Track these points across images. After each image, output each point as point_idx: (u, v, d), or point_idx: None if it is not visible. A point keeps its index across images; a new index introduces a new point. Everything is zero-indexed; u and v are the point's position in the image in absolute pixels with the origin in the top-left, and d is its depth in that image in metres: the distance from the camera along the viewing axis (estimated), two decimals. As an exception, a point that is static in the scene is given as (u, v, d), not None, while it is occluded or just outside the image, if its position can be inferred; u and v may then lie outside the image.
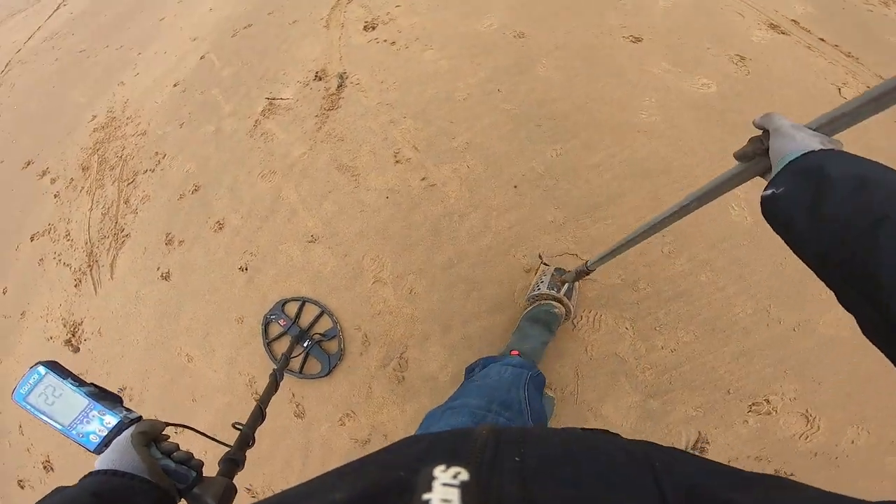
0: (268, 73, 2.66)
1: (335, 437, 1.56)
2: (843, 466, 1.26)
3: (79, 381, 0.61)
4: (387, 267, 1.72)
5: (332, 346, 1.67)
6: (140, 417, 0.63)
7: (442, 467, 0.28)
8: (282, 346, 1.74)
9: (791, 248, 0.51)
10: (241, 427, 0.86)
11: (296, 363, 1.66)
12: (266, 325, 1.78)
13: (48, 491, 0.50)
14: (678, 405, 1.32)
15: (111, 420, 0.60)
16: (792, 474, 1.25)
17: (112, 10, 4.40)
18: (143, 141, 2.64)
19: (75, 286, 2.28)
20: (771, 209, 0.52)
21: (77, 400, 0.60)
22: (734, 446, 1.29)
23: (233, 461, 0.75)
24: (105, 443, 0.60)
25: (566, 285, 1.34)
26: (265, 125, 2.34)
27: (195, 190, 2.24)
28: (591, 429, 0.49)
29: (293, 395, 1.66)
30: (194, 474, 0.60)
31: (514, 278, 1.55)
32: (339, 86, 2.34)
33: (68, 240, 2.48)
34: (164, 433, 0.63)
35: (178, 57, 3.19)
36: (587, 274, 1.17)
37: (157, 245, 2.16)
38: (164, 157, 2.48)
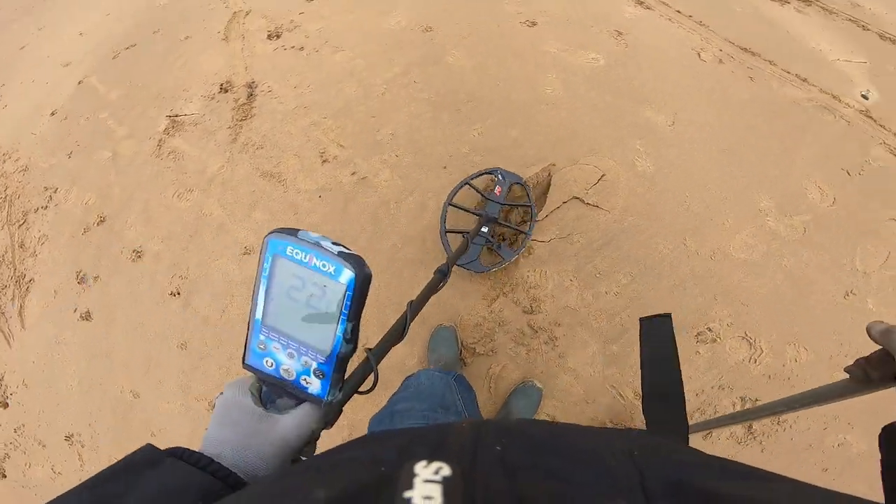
0: (164, 91, 2.49)
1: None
2: (797, 386, 1.41)
3: (353, 334, 0.40)
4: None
5: (489, 259, 1.52)
6: (336, 408, 0.43)
7: (423, 463, 0.27)
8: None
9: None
10: (369, 352, 0.51)
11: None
12: (480, 174, 1.56)
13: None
14: (635, 345, 1.42)
15: (313, 386, 0.40)
16: (757, 400, 1.40)
17: (-43, 42, 3.81)
18: (28, 177, 2.33)
19: (-21, 345, 1.95)
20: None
21: (321, 336, 0.39)
22: (696, 378, 1.43)
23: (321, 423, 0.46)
24: (266, 380, 0.42)
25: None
26: (171, 143, 2.19)
27: (100, 221, 2.03)
28: (570, 423, 0.49)
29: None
30: None
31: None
32: (250, 95, 2.27)
33: (-46, 300, 2.10)
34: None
35: (50, 85, 2.85)
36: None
37: (68, 285, 1.92)
38: (55, 192, 2.21)
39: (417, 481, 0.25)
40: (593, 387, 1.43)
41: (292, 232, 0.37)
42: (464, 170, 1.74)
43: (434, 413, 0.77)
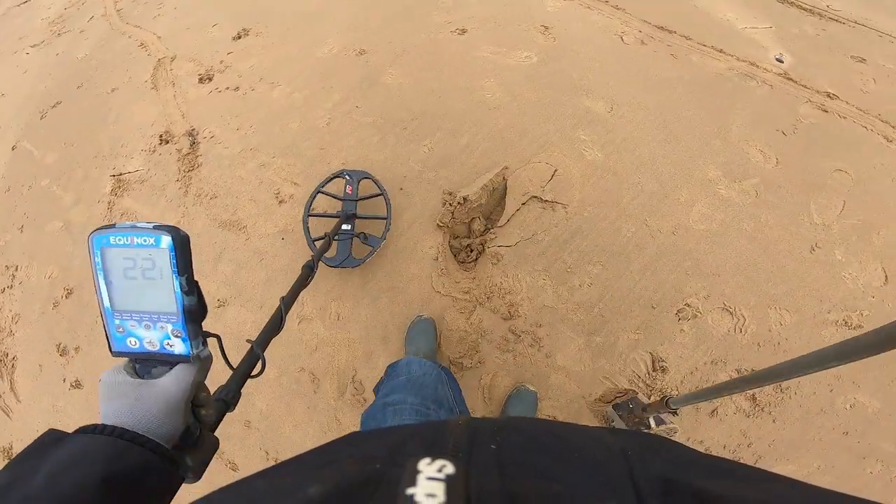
0: (101, 149, 2.40)
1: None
2: (788, 350, 1.43)
3: (190, 286, 0.43)
4: (306, 303, 1.69)
5: (361, 251, 1.61)
6: (210, 357, 0.47)
7: (427, 460, 0.27)
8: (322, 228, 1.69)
9: None
10: (251, 343, 0.67)
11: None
12: (332, 178, 1.71)
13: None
14: (619, 334, 1.50)
15: (177, 347, 0.44)
16: (753, 369, 1.41)
17: None
18: (-19, 260, 2.22)
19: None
20: None
21: (165, 300, 0.43)
22: (687, 357, 1.46)
23: (224, 403, 0.56)
24: (136, 357, 0.45)
25: (650, 418, 1.23)
26: (122, 204, 2.12)
27: (68, 294, 1.99)
28: (564, 422, 0.50)
29: (266, 452, 1.57)
30: (199, 433, 0.47)
31: (426, 270, 1.65)
32: (192, 144, 2.21)
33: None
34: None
35: (-19, 159, 2.71)
36: (672, 412, 1.14)
37: (51, 359, 1.91)
38: (17, 269, 2.14)
39: (420, 478, 0.26)
40: (586, 381, 1.48)
41: (110, 225, 0.42)
42: (421, 188, 1.77)
43: (426, 409, 0.77)
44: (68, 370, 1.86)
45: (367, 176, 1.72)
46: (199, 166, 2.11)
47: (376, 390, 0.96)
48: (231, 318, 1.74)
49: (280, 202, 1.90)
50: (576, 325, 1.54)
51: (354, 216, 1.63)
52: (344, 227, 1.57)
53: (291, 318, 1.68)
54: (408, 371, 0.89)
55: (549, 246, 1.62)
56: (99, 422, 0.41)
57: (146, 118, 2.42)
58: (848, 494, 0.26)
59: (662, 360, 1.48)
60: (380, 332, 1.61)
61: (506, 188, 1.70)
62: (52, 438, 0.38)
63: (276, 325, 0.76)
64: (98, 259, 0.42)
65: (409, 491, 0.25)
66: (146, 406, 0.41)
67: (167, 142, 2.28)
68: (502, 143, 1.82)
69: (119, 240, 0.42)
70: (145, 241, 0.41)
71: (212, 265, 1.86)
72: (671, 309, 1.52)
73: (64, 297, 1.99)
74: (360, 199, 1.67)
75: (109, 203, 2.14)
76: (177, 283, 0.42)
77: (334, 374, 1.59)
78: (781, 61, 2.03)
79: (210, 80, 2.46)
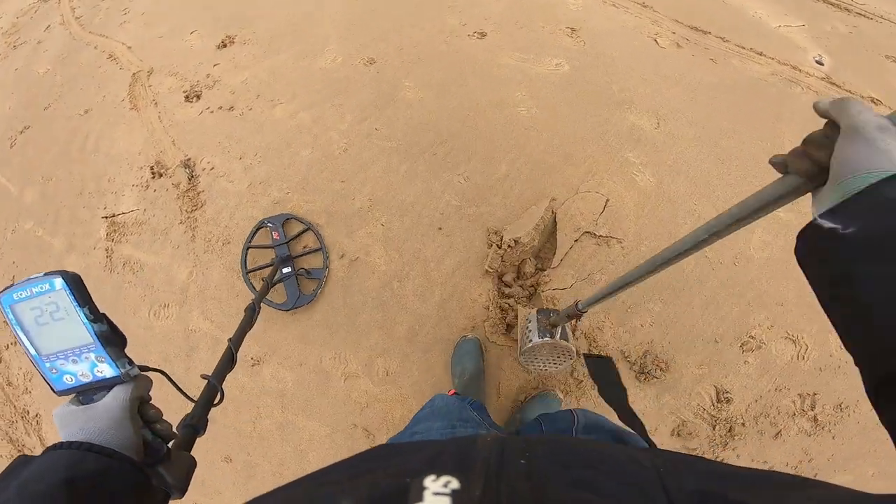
0: (85, 184, 2.15)
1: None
2: (848, 373, 1.45)
3: (95, 314, 0.48)
4: (350, 360, 1.58)
5: (310, 285, 1.67)
6: (140, 375, 0.51)
7: (432, 477, 0.29)
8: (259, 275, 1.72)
9: (833, 315, 0.38)
10: (207, 377, 0.76)
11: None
12: (255, 230, 1.75)
13: None
14: (683, 369, 1.45)
15: (106, 371, 0.48)
16: (816, 394, 1.42)
17: None
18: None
19: None
20: (822, 249, 0.36)
21: (79, 334, 0.47)
22: (751, 387, 1.44)
23: (192, 428, 0.67)
24: (78, 391, 0.49)
25: (559, 328, 1.19)
26: (122, 252, 1.92)
27: None
28: (594, 440, 0.50)
29: None
30: (165, 448, 0.51)
31: (476, 318, 1.55)
32: (191, 177, 1.99)
33: None
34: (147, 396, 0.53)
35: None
36: (579, 316, 1.10)
37: None
38: None
39: (427, 494, 0.27)
40: (651, 417, 1.45)
41: (9, 286, 0.47)
42: (461, 227, 1.63)
43: (452, 427, 0.77)
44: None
45: (288, 217, 1.75)
46: (202, 205, 1.91)
47: None
48: (268, 376, 1.62)
49: (303, 247, 1.74)
50: (639, 364, 1.49)
51: (290, 258, 1.65)
52: (284, 270, 1.62)
53: (337, 376, 1.58)
54: (430, 405, 0.91)
55: (606, 286, 1.53)
56: None
57: (131, 146, 2.16)
58: (890, 495, 0.25)
59: (727, 392, 1.47)
60: (434, 384, 1.52)
61: (555, 223, 1.58)
62: (23, 460, 0.43)
63: (228, 361, 0.86)
64: (11, 316, 0.47)
65: None
66: (94, 424, 0.46)
67: (160, 175, 2.04)
68: (545, 170, 1.68)
69: (20, 294, 0.46)
70: (42, 288, 0.46)
71: (237, 319, 1.71)
72: (735, 342, 1.49)
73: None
74: (290, 241, 1.69)
75: (108, 250, 1.93)
76: (82, 315, 0.47)
77: (390, 430, 1.51)
78: (822, 63, 1.92)
79: (198, 98, 2.20)
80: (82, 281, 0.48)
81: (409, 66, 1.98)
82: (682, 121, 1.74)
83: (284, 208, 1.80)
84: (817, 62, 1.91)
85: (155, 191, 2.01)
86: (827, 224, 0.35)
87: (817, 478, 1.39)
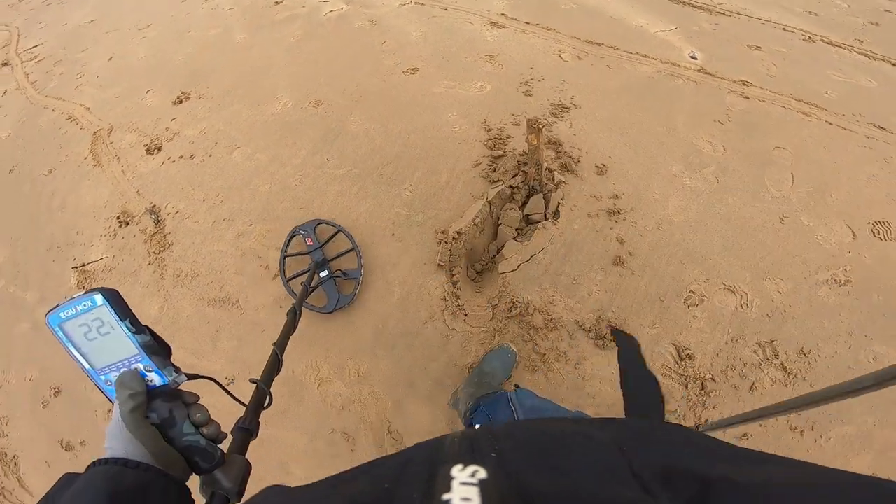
0: (55, 240, 2.23)
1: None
2: (796, 316, 1.51)
3: (136, 326, 0.51)
4: (322, 366, 1.69)
5: (348, 286, 1.72)
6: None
7: (459, 466, 0.29)
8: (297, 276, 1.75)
9: None
10: (256, 381, 0.78)
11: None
12: (290, 239, 1.80)
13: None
14: (638, 330, 1.58)
15: (155, 380, 0.51)
16: (773, 341, 1.50)
17: None
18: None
19: None
20: None
21: (125, 346, 0.50)
22: (707, 341, 1.55)
23: (246, 431, 0.68)
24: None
25: None
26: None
27: (56, 392, 1.91)
28: (550, 418, 0.52)
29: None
30: (220, 453, 0.53)
31: (434, 313, 1.70)
32: (157, 222, 2.11)
33: None
34: (194, 398, 0.55)
35: None
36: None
37: (58, 455, 1.85)
38: None
39: (455, 484, 0.27)
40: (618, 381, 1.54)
41: (55, 307, 0.50)
42: (412, 231, 1.82)
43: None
44: (77, 464, 1.79)
45: (320, 221, 1.83)
46: (169, 245, 2.03)
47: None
48: (247, 394, 1.69)
49: (266, 268, 1.87)
50: (595, 333, 1.59)
51: (325, 261, 1.72)
52: (321, 274, 1.67)
53: (310, 384, 1.67)
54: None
55: (550, 263, 1.70)
56: None
57: (97, 199, 2.27)
58: (849, 471, 0.27)
59: (687, 349, 1.55)
60: (405, 379, 1.64)
61: (494, 214, 1.80)
62: (68, 478, 0.47)
63: (274, 365, 0.89)
64: (61, 334, 0.50)
65: (446, 497, 0.26)
66: (131, 440, 0.48)
67: (127, 223, 2.16)
68: (480, 172, 1.91)
69: (67, 312, 0.49)
70: (85, 305, 0.49)
71: (210, 345, 1.80)
72: (678, 298, 1.61)
73: (52, 396, 1.92)
74: (323, 245, 1.76)
75: (76, 301, 2.00)
76: (125, 328, 0.50)
77: (368, 429, 1.60)
78: (696, 58, 2.29)
79: (159, 149, 2.36)
80: (120, 295, 0.51)
81: (353, 104, 2.23)
82: (591, 118, 2.04)
83: (249, 239, 1.94)
84: (692, 57, 2.29)
85: (123, 238, 2.11)
86: None
87: (814, 429, 1.45)
